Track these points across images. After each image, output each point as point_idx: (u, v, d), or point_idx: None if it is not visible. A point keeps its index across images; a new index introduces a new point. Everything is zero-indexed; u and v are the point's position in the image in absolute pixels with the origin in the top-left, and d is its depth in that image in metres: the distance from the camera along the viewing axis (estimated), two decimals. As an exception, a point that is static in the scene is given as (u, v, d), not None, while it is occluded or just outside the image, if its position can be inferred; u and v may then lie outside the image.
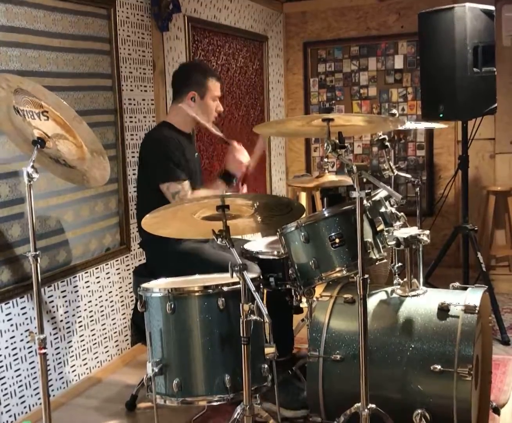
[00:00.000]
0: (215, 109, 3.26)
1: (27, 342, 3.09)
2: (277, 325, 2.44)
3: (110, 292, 3.74)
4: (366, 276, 2.23)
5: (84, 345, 3.52)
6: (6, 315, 2.99)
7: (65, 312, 3.37)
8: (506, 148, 5.32)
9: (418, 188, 3.36)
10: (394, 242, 2.56)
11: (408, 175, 3.40)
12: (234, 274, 2.22)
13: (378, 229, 2.65)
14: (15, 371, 3.05)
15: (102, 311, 3.66)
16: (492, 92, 3.92)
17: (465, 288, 2.60)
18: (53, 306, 3.29)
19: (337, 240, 2.64)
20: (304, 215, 2.71)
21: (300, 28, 5.91)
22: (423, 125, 4.13)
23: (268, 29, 5.66)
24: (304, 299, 2.90)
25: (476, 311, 2.41)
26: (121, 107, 3.75)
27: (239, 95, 5.17)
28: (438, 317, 2.46)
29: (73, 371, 3.43)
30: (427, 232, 2.59)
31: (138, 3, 3.91)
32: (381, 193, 2.70)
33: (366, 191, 2.26)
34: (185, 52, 4.35)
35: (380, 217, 2.66)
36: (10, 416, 3.02)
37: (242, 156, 3.16)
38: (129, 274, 3.84)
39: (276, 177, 5.89)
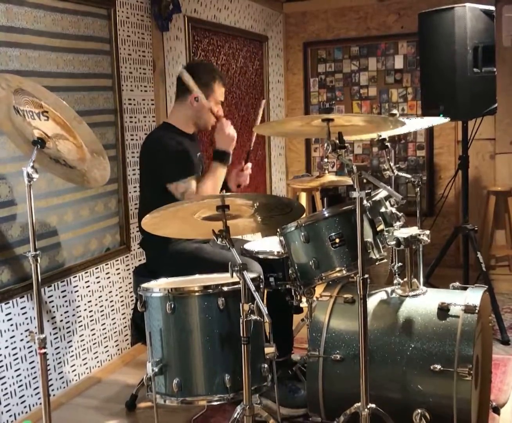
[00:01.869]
0: (216, 112, 3.24)
1: (27, 342, 3.09)
2: (277, 325, 2.44)
3: (110, 292, 3.74)
4: (366, 276, 2.24)
5: (84, 345, 3.52)
6: (6, 315, 3.00)
7: (65, 312, 3.37)
8: (506, 148, 5.32)
9: (418, 188, 3.35)
10: (394, 242, 2.56)
11: (408, 175, 3.39)
12: (234, 274, 2.22)
13: (378, 229, 2.65)
14: (15, 371, 3.06)
15: (102, 311, 3.66)
16: (492, 92, 3.92)
17: (465, 288, 2.60)
18: (53, 306, 3.29)
19: (337, 240, 2.64)
20: (304, 215, 2.72)
21: (300, 28, 5.91)
22: (424, 123, 4.10)
23: (268, 29, 5.66)
24: (304, 299, 2.90)
25: (476, 311, 2.41)
26: (121, 107, 3.75)
27: (239, 95, 5.17)
28: (438, 317, 2.46)
29: (73, 371, 3.43)
30: (427, 232, 2.60)
31: (138, 3, 3.92)
32: (381, 193, 2.70)
33: (366, 191, 2.26)
34: (185, 52, 4.35)
35: (380, 217, 2.66)
36: (10, 416, 3.02)
37: (230, 129, 3.14)
38: (129, 274, 3.84)
39: (276, 177, 5.89)
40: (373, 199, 2.66)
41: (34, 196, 2.38)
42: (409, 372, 2.42)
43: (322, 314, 2.65)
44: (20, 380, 3.08)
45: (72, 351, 3.43)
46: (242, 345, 2.21)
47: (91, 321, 3.57)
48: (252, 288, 2.20)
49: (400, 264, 2.72)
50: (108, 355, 3.72)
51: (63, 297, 3.36)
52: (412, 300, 2.58)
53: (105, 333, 3.70)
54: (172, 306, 2.42)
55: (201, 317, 2.42)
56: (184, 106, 3.21)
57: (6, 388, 3.00)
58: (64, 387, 3.37)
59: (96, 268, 3.60)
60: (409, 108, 5.62)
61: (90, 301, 3.56)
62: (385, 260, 2.75)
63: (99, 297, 3.64)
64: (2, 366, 2.98)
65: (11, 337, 3.03)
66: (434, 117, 3.90)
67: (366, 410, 2.24)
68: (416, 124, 3.85)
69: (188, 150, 3.14)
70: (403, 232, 2.58)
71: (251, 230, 2.86)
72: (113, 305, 3.76)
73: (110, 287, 3.74)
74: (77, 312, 3.47)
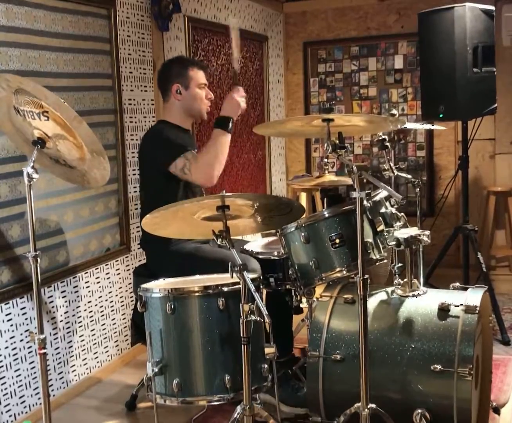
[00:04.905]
0: (205, 96, 3.21)
1: (27, 342, 3.09)
2: (277, 325, 2.44)
3: (110, 292, 3.74)
4: (366, 276, 2.23)
5: (84, 345, 3.52)
6: (6, 315, 2.99)
7: (65, 312, 3.37)
8: (506, 148, 5.32)
9: (418, 189, 3.36)
10: (394, 243, 2.56)
11: (408, 176, 3.40)
12: (234, 274, 2.22)
13: (379, 229, 2.65)
14: (15, 371, 3.05)
15: (102, 311, 3.66)
16: (492, 92, 3.92)
17: (466, 288, 2.60)
18: (53, 306, 3.29)
19: (337, 241, 2.64)
20: (304, 216, 2.72)
21: (300, 28, 5.91)
22: (422, 126, 4.12)
23: (268, 29, 5.66)
24: (304, 299, 2.90)
25: (477, 311, 2.41)
26: (121, 107, 3.75)
27: (239, 95, 5.16)
28: (439, 317, 2.46)
29: (73, 371, 3.43)
30: (428, 232, 2.59)
31: (138, 3, 3.91)
32: (381, 194, 2.70)
33: (366, 191, 2.26)
34: (185, 52, 4.35)
35: (380, 218, 2.66)
36: (10, 416, 3.02)
37: (239, 96, 3.03)
38: (129, 274, 3.84)
39: (276, 177, 5.89)
40: (373, 199, 2.66)
41: (34, 196, 2.38)
42: (409, 372, 2.42)
43: (322, 315, 2.64)
44: (20, 380, 3.08)
45: (72, 351, 3.43)
46: (242, 345, 2.21)
47: (91, 321, 3.57)
48: (252, 288, 2.19)
49: (400, 264, 2.72)
50: (108, 355, 3.72)
51: (63, 297, 3.36)
52: (412, 301, 2.58)
53: (105, 333, 3.70)
54: (172, 306, 2.42)
55: (201, 318, 2.42)
56: (172, 103, 3.21)
57: (6, 388, 3.00)
58: (64, 387, 3.37)
59: (96, 269, 3.60)
60: (409, 108, 5.62)
61: (90, 302, 3.56)
62: (385, 261, 2.76)
63: (99, 297, 3.64)
64: (2, 366, 2.98)
65: (11, 338, 3.02)
66: (433, 125, 3.91)
67: (366, 410, 2.24)
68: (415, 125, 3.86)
69: (182, 136, 3.13)
70: (403, 233, 2.58)
71: (251, 231, 2.86)
72: (113, 306, 3.76)
73: (110, 287, 3.73)
74: (77, 312, 3.46)
